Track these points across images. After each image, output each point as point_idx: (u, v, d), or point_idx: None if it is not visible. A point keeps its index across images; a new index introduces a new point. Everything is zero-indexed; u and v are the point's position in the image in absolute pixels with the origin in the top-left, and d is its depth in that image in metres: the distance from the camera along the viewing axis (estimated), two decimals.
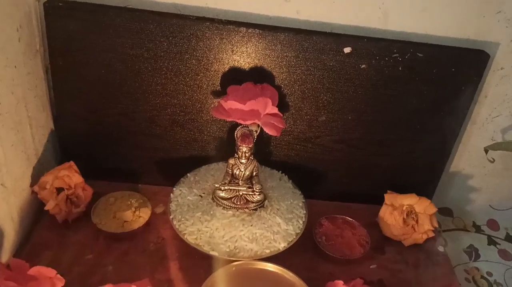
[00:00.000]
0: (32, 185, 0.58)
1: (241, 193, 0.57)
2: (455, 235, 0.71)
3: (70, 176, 0.58)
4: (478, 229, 0.73)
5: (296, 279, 0.51)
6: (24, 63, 0.55)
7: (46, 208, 0.57)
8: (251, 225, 0.55)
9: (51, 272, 0.46)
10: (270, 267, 0.52)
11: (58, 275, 0.46)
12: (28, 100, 0.56)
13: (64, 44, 0.57)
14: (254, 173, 0.58)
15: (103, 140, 0.64)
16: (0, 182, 0.51)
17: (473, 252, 0.69)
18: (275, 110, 0.56)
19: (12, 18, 0.52)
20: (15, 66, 0.53)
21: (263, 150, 0.65)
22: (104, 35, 0.56)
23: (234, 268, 0.51)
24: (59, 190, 0.58)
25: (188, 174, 0.62)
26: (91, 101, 0.61)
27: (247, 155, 0.56)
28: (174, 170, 0.63)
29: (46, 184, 0.57)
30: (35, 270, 0.45)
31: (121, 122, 0.63)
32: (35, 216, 0.60)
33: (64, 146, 0.65)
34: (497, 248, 0.70)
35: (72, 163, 0.59)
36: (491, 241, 0.71)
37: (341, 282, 0.51)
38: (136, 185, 0.65)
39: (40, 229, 0.59)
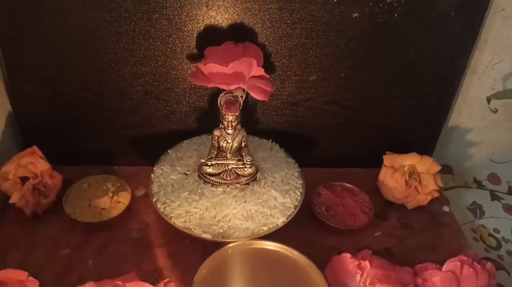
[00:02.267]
0: None
1: (230, 167, 0.51)
2: (457, 193, 0.68)
3: (34, 162, 0.51)
4: (479, 185, 0.69)
5: (299, 256, 0.46)
6: None
7: (11, 201, 0.50)
8: (245, 202, 0.49)
9: (21, 274, 0.40)
10: (270, 245, 0.47)
11: (30, 278, 0.41)
12: None
13: (10, 9, 0.49)
14: (243, 143, 0.52)
15: (68, 120, 0.57)
16: None
17: (477, 209, 0.65)
18: (261, 71, 0.50)
19: None
20: None
21: (250, 118, 0.59)
22: None
23: (230, 250, 0.46)
24: (24, 179, 0.51)
25: (168, 151, 0.56)
26: (49, 77, 0.54)
27: (233, 124, 0.50)
28: (152, 148, 0.57)
29: (8, 174, 0.51)
30: (2, 275, 0.39)
31: (87, 98, 0.56)
32: (2, 210, 0.53)
33: (25, 129, 0.58)
34: (501, 203, 0.67)
35: (35, 147, 0.52)
36: (494, 196, 0.68)
37: (348, 255, 0.47)
38: (110, 167, 0.60)
39: (6, 225, 0.52)
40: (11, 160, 0.52)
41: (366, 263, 0.46)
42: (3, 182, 0.51)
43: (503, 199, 0.68)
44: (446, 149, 0.69)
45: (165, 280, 0.42)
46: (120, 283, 0.40)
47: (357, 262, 0.46)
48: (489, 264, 0.47)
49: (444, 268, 0.46)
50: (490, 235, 0.62)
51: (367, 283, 0.44)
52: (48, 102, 0.56)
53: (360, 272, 0.45)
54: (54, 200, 0.52)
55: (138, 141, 0.59)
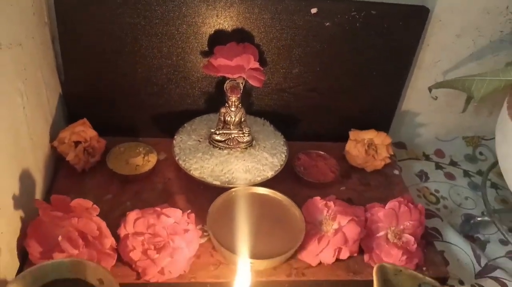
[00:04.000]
0: (51, 141, 0.68)
1: (233, 136, 0.68)
2: (408, 163, 0.85)
3: (85, 130, 0.67)
4: (427, 158, 0.87)
5: (284, 197, 0.63)
6: (38, 34, 0.63)
7: (67, 158, 0.66)
8: (244, 160, 0.67)
9: (88, 203, 0.56)
10: (262, 190, 0.64)
11: (94, 205, 0.56)
12: (43, 67, 0.65)
13: (69, 17, 0.65)
14: (243, 118, 0.69)
15: (106, 100, 0.73)
16: (29, 137, 0.60)
17: (423, 175, 0.83)
18: (256, 65, 0.67)
19: None
20: (33, 37, 0.61)
21: (247, 101, 0.76)
22: (104, 7, 0.65)
23: (233, 193, 0.63)
24: (76, 143, 0.67)
25: (185, 124, 0.73)
26: (95, 67, 0.70)
27: (236, 103, 0.67)
28: (170, 123, 0.74)
29: (65, 138, 0.66)
30: (75, 203, 0.56)
31: (122, 84, 0.72)
32: (55, 168, 0.69)
33: (71, 107, 0.74)
34: (443, 171, 0.85)
35: (85, 119, 0.69)
36: (438, 166, 0.86)
37: (319, 198, 0.64)
38: (137, 139, 0.75)
39: (61, 178, 0.68)
40: (66, 128, 0.68)
41: (331, 203, 0.63)
42: (60, 145, 0.67)
43: (445, 168, 0.86)
44: (400, 129, 0.87)
45: (188, 211, 0.59)
46: (158, 209, 0.57)
47: (325, 202, 0.63)
48: (420, 205, 0.64)
49: (386, 206, 0.63)
50: (431, 194, 0.80)
51: (331, 216, 0.61)
52: (91, 86, 0.71)
53: (326, 208, 0.62)
54: (99, 159, 0.69)
55: (159, 118, 0.76)
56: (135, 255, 0.55)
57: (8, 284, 0.46)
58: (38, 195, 0.63)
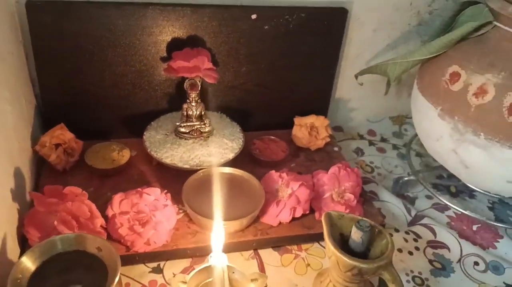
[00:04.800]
0: (32, 146, 0.75)
1: (195, 127, 0.79)
2: (346, 143, 0.99)
3: (63, 133, 0.76)
4: (361, 137, 1.02)
5: (245, 173, 0.75)
6: (16, 50, 0.71)
7: (49, 159, 0.74)
8: (207, 146, 0.78)
9: (78, 189, 0.65)
10: (226, 169, 0.75)
11: (84, 191, 0.65)
12: (21, 80, 0.73)
13: (43, 33, 0.74)
14: (203, 112, 0.80)
15: (79, 107, 0.81)
16: (17, 140, 0.68)
17: (359, 151, 0.98)
18: (210, 65, 0.78)
19: (3, 17, 0.68)
20: (12, 53, 0.69)
21: (204, 99, 0.86)
22: (73, 23, 0.74)
23: (201, 174, 0.74)
24: (56, 146, 0.75)
25: (152, 122, 0.82)
26: (66, 77, 0.78)
27: (196, 99, 0.78)
28: (138, 124, 0.83)
29: (46, 142, 0.74)
30: (67, 190, 0.64)
31: (92, 91, 0.80)
32: (38, 170, 0.77)
33: (47, 115, 0.81)
34: (375, 147, 1.00)
35: (62, 124, 0.77)
36: (371, 143, 1.01)
37: (273, 171, 0.76)
38: (109, 140, 0.84)
39: (45, 178, 0.75)
40: (46, 133, 0.75)
41: (284, 174, 0.75)
42: (42, 148, 0.74)
43: (376, 144, 1.01)
44: (336, 114, 1.01)
45: (165, 191, 0.69)
46: (139, 189, 0.67)
47: (279, 174, 0.75)
48: (356, 169, 0.78)
49: (329, 172, 0.76)
50: (367, 165, 0.94)
51: (284, 183, 0.74)
52: (64, 95, 0.80)
53: (281, 179, 0.74)
54: (78, 159, 0.77)
55: (129, 120, 0.85)
56: (123, 230, 0.64)
57: (22, 257, 0.54)
58: (27, 193, 0.71)
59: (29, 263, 0.54)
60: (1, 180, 0.60)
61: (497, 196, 0.84)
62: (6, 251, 0.58)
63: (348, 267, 0.57)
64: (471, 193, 0.88)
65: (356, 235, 0.60)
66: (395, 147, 1.00)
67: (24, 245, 0.64)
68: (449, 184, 0.89)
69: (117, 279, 0.53)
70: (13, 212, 0.63)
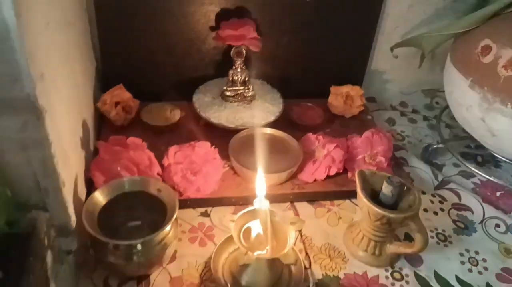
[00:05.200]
0: (94, 104, 0.84)
1: (240, 91, 0.86)
2: (378, 113, 1.05)
3: (122, 93, 0.84)
4: (393, 108, 1.07)
5: (284, 134, 0.82)
6: (81, 17, 0.80)
7: (110, 115, 0.83)
8: (251, 109, 0.85)
9: (139, 140, 0.74)
10: (267, 130, 0.83)
11: (143, 142, 0.74)
12: (86, 45, 0.82)
13: (104, 3, 0.82)
14: (247, 78, 0.87)
15: (135, 71, 0.90)
16: (84, 96, 0.77)
17: (391, 121, 1.03)
18: (255, 34, 0.85)
19: None
20: (79, 20, 0.78)
21: (248, 66, 0.93)
22: None
23: (245, 133, 0.81)
24: (116, 104, 0.84)
25: (200, 86, 0.90)
26: (125, 43, 0.86)
27: (241, 65, 0.85)
28: (187, 88, 0.91)
29: (107, 100, 0.83)
30: (129, 140, 0.73)
31: (147, 56, 0.89)
32: (98, 126, 0.86)
33: (105, 78, 0.91)
34: (407, 117, 1.05)
35: (121, 85, 0.85)
36: (403, 114, 1.06)
37: (310, 133, 0.83)
38: (161, 101, 0.92)
39: (104, 133, 0.85)
40: (106, 92, 0.84)
41: (320, 137, 0.82)
42: (103, 105, 0.83)
43: (408, 115, 1.06)
44: (371, 86, 1.07)
45: (213, 146, 0.77)
46: (192, 143, 0.75)
47: (316, 136, 0.82)
48: (388, 134, 0.84)
49: (362, 136, 0.83)
50: (398, 134, 1.00)
51: (321, 145, 0.80)
52: (123, 60, 0.88)
53: (317, 140, 0.81)
54: (134, 117, 0.86)
55: (179, 83, 0.93)
56: (177, 178, 0.73)
57: (94, 192, 0.63)
58: (91, 144, 0.80)
59: (100, 198, 0.63)
60: (73, 129, 0.69)
61: None
62: (78, 190, 0.68)
63: (378, 216, 0.64)
64: (497, 163, 0.93)
65: (386, 190, 0.66)
66: (425, 118, 1.05)
67: (90, 187, 0.73)
68: (476, 153, 0.94)
69: (174, 216, 0.62)
70: (81, 158, 0.72)
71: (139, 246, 0.59)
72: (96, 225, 0.60)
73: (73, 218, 0.60)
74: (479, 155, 0.94)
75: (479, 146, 0.85)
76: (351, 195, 0.78)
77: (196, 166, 0.73)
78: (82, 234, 0.62)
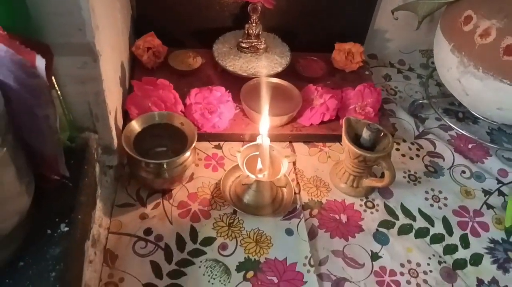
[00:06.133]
0: (130, 47, 0.99)
1: (253, 44, 1.00)
2: (377, 69, 1.17)
3: (153, 40, 0.98)
4: (392, 65, 1.19)
5: (288, 84, 0.96)
6: None
7: (142, 59, 0.97)
8: (261, 60, 0.99)
9: (166, 81, 0.89)
10: (274, 79, 0.97)
11: (170, 83, 0.89)
12: None
13: None
14: (260, 32, 1.00)
15: (164, 20, 1.03)
16: (123, 41, 0.91)
17: (387, 77, 1.15)
18: None
19: None
20: None
21: (262, 21, 1.06)
22: None
23: (256, 81, 0.96)
24: (147, 49, 0.98)
25: (219, 37, 1.04)
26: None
27: (256, 20, 0.98)
28: (208, 38, 1.04)
29: (140, 45, 0.97)
30: (159, 81, 0.88)
31: (176, 8, 1.01)
32: (132, 67, 1.01)
33: (139, 25, 1.04)
34: (402, 74, 1.17)
35: (153, 32, 0.99)
36: (399, 71, 1.18)
37: (311, 85, 0.97)
38: (185, 49, 1.06)
39: (137, 73, 1.00)
40: (140, 38, 0.98)
41: (319, 88, 0.96)
42: (137, 49, 0.98)
43: (404, 72, 1.18)
44: (373, 43, 1.18)
45: (227, 91, 0.91)
46: (210, 87, 0.90)
47: (315, 87, 0.96)
48: (378, 89, 0.97)
49: (355, 89, 0.96)
50: (391, 89, 1.12)
51: (319, 94, 0.94)
52: (154, 8, 1.01)
53: (316, 91, 0.95)
54: (162, 61, 1.01)
55: (201, 33, 1.07)
56: (196, 115, 0.89)
57: (131, 121, 0.79)
58: (126, 82, 0.95)
59: (136, 126, 0.80)
60: (115, 69, 0.84)
61: (496, 123, 1.02)
62: (117, 119, 0.84)
63: (356, 155, 0.79)
64: (475, 119, 1.06)
65: (366, 134, 0.81)
66: (419, 76, 1.17)
67: (125, 119, 0.89)
68: (458, 110, 1.06)
69: (193, 145, 0.78)
70: (119, 94, 0.87)
71: (165, 165, 0.76)
72: (132, 147, 0.76)
73: (115, 140, 0.76)
74: (460, 111, 1.07)
75: (462, 104, 0.98)
76: (341, 138, 0.93)
77: (212, 106, 0.89)
78: (120, 153, 0.79)
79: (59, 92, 0.64)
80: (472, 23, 0.85)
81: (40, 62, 0.50)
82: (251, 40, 1.00)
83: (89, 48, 0.61)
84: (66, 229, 0.58)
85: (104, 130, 0.72)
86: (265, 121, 0.80)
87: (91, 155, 0.69)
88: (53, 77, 0.62)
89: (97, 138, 0.72)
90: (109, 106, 0.71)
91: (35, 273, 0.54)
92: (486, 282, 0.76)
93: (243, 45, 1.00)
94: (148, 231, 0.76)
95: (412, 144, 0.98)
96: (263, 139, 0.79)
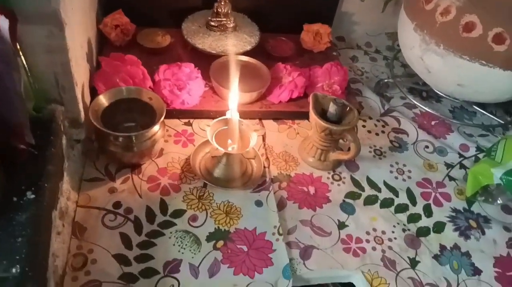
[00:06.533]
0: (97, 25, 0.98)
1: (223, 22, 1.00)
2: (345, 51, 1.20)
3: (121, 17, 0.97)
4: (359, 47, 1.22)
5: (258, 62, 0.97)
6: None
7: (110, 36, 0.97)
8: (231, 39, 1.00)
9: (134, 57, 0.88)
10: (244, 57, 0.98)
11: (139, 60, 0.89)
12: None
13: None
14: (229, 11, 1.00)
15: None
16: (89, 17, 0.90)
17: (354, 59, 1.18)
18: None
19: None
20: None
21: (232, 1, 1.07)
22: None
23: (225, 58, 0.96)
24: (115, 26, 0.98)
25: (188, 16, 1.04)
26: None
27: None
28: (177, 16, 1.04)
29: (108, 22, 0.96)
30: (127, 57, 0.88)
31: None
32: (100, 45, 1.00)
33: (107, 3, 1.03)
34: (369, 56, 1.20)
35: (120, 10, 0.98)
36: (366, 53, 1.21)
37: (280, 63, 0.98)
38: (154, 27, 1.06)
39: (106, 50, 0.99)
40: (107, 16, 0.97)
41: (288, 66, 0.97)
42: (104, 27, 0.96)
43: (370, 54, 1.21)
44: (341, 25, 1.21)
45: (196, 67, 0.92)
46: (179, 63, 0.90)
47: (284, 65, 0.97)
48: (345, 68, 0.99)
49: (323, 67, 0.98)
50: (358, 69, 1.15)
51: (287, 73, 0.96)
52: None
53: (285, 69, 0.97)
54: (131, 39, 1.00)
55: (170, 12, 1.06)
56: (166, 92, 0.89)
57: (99, 95, 0.79)
58: (93, 59, 0.94)
59: (103, 101, 0.79)
60: (81, 42, 0.83)
61: (458, 101, 1.06)
62: (84, 95, 0.83)
63: (323, 128, 0.81)
64: (438, 98, 1.10)
65: (332, 108, 0.83)
66: (385, 57, 1.20)
67: (93, 96, 0.88)
68: (422, 89, 1.10)
69: (162, 118, 0.78)
70: (86, 70, 0.87)
71: (134, 139, 0.76)
72: (100, 121, 0.76)
73: (82, 114, 0.76)
74: (424, 91, 1.10)
75: (426, 83, 1.01)
76: (309, 115, 0.95)
77: (181, 82, 0.89)
78: (88, 128, 0.79)
79: (24, 61, 0.64)
80: (434, 2, 0.88)
81: (3, 23, 0.49)
82: (220, 19, 1.00)
83: (54, 16, 0.61)
84: (33, 196, 0.58)
85: (71, 102, 0.72)
86: (234, 96, 0.81)
87: (57, 125, 0.69)
88: (18, 45, 0.61)
89: (63, 110, 0.72)
90: (76, 78, 0.70)
91: (2, 238, 0.53)
92: (448, 247, 0.80)
93: (212, 23, 1.00)
94: (117, 204, 0.76)
95: (378, 121, 1.01)
96: (232, 114, 0.79)
